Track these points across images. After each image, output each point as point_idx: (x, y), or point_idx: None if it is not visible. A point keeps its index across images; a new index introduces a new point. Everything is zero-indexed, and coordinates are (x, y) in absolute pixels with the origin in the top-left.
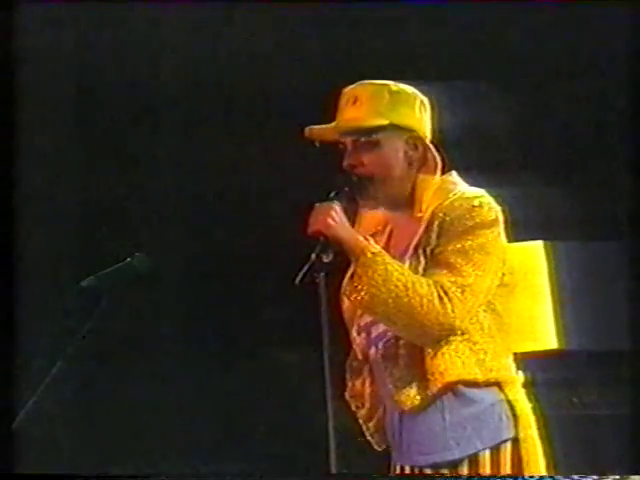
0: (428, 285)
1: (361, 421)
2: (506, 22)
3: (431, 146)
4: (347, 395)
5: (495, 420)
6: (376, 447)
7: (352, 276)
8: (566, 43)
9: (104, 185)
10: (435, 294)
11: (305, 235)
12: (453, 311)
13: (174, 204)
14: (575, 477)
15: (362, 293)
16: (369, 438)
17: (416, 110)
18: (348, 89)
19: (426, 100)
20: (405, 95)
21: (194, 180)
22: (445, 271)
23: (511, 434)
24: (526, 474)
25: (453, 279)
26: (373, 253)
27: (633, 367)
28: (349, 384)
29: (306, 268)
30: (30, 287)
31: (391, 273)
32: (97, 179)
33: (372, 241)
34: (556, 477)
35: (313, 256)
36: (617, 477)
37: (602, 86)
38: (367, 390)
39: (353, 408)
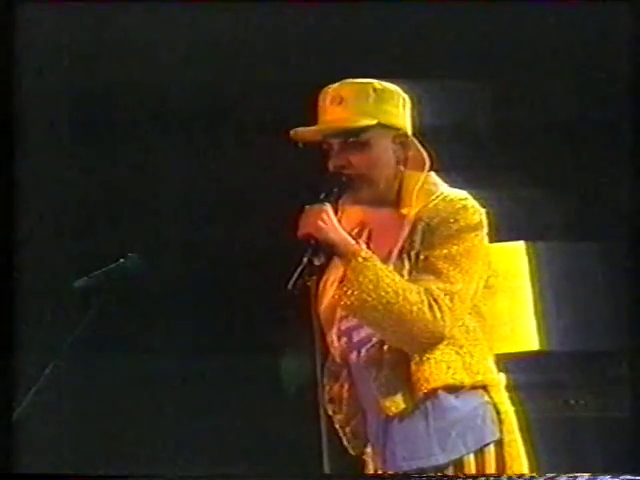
0: (418, 293)
1: (337, 426)
2: (496, 20)
3: (417, 144)
4: (324, 399)
5: (479, 423)
6: (352, 452)
7: (342, 280)
8: (557, 41)
9: (102, 185)
10: (425, 302)
11: (296, 237)
12: (443, 319)
13: (168, 205)
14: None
15: (352, 298)
16: (345, 443)
17: (400, 108)
18: (331, 88)
19: (407, 97)
20: (389, 93)
21: (189, 181)
22: (433, 278)
23: (495, 437)
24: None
25: (442, 286)
26: (364, 258)
27: (619, 367)
28: (326, 388)
29: (298, 272)
30: (29, 286)
31: (382, 279)
32: (96, 179)
33: (364, 245)
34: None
35: (305, 260)
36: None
37: (592, 84)
38: (345, 395)
39: (330, 413)
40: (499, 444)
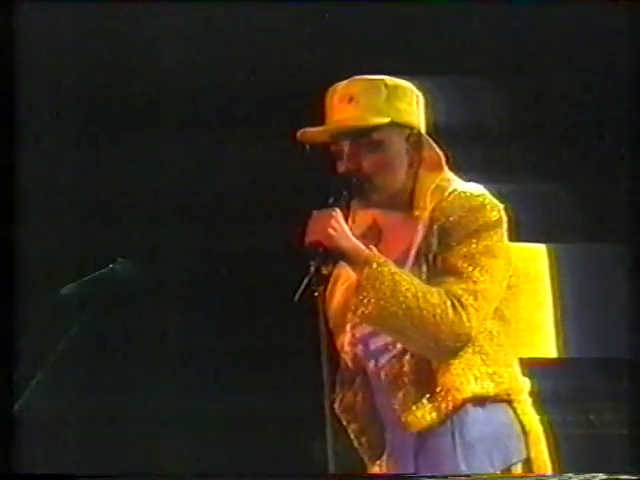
0: (439, 294)
1: (353, 436)
2: (509, 18)
3: (432, 142)
4: (336, 408)
5: (506, 441)
6: (368, 464)
7: (357, 289)
8: (571, 40)
9: (100, 186)
10: (448, 303)
11: (303, 245)
12: (469, 320)
13: (165, 208)
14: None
15: (369, 307)
16: (361, 454)
17: (414, 105)
18: (340, 86)
19: (420, 94)
20: (402, 89)
21: (188, 183)
22: (453, 278)
23: (523, 455)
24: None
25: (464, 286)
26: (378, 264)
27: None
28: (339, 396)
29: (305, 282)
30: (29, 289)
31: (399, 283)
32: (96, 179)
33: (375, 250)
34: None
35: (312, 269)
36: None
37: (608, 84)
38: (359, 404)
39: (344, 422)
40: (527, 462)
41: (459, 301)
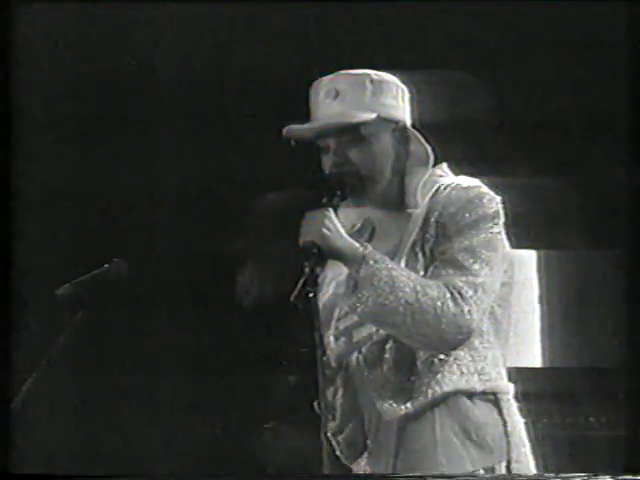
0: (438, 287)
1: (330, 435)
2: (500, 12)
3: (419, 137)
4: (315, 407)
5: (488, 442)
6: (346, 462)
7: (354, 288)
8: (565, 33)
9: (99, 186)
10: (448, 295)
11: (297, 245)
12: (470, 312)
13: (160, 207)
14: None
15: (369, 304)
16: (338, 453)
17: (399, 99)
18: (325, 81)
19: (405, 88)
20: (387, 84)
21: (186, 183)
22: (453, 271)
23: (504, 456)
24: None
25: (464, 279)
26: (375, 260)
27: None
28: (320, 394)
29: (301, 283)
30: (27, 289)
31: (397, 279)
32: (94, 179)
33: (370, 247)
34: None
35: (307, 270)
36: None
37: (605, 81)
38: (339, 401)
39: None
40: (508, 463)
41: (460, 293)
